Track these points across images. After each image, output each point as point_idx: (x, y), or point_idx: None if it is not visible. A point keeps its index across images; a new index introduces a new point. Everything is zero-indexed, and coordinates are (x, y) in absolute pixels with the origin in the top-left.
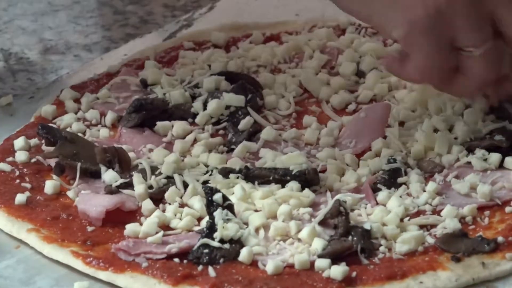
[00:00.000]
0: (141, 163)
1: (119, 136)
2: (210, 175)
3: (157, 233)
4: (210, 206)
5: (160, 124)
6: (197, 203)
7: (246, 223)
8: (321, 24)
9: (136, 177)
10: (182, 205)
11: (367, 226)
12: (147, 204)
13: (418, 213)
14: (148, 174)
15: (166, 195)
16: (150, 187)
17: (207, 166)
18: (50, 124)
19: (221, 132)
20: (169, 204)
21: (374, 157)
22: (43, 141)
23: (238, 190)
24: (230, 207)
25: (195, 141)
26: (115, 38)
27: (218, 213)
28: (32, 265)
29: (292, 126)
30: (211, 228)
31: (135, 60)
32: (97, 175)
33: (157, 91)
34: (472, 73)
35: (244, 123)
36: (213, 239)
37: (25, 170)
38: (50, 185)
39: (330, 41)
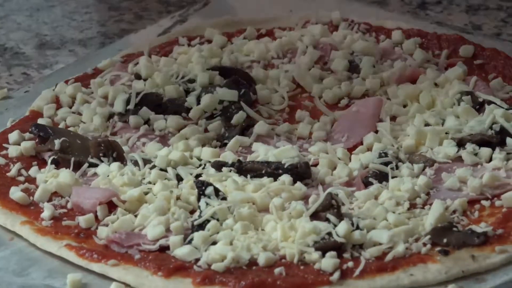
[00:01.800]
0: (133, 156)
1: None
2: (203, 168)
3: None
4: (201, 199)
5: (154, 118)
6: (191, 196)
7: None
8: (314, 20)
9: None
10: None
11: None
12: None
13: (409, 206)
14: (141, 166)
15: (155, 188)
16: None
17: (200, 160)
18: (42, 119)
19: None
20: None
21: (366, 151)
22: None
23: (231, 183)
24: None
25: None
26: (110, 34)
27: (208, 208)
28: (25, 257)
29: (285, 120)
30: (202, 224)
31: (130, 55)
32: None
33: (150, 86)
34: None
35: (237, 118)
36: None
37: (19, 163)
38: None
39: (323, 37)
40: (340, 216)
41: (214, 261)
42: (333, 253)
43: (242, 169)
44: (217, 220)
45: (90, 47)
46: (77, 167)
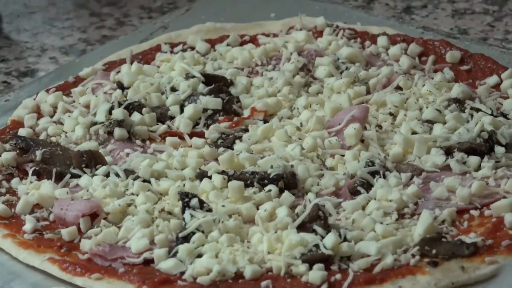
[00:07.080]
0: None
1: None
2: (184, 179)
3: None
4: (186, 211)
5: (137, 128)
6: (175, 208)
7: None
8: (299, 26)
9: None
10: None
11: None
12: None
13: (397, 216)
14: (122, 178)
15: (138, 199)
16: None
17: (182, 170)
18: (23, 129)
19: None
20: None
21: (353, 160)
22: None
23: (215, 194)
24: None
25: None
26: (91, 40)
27: (192, 220)
28: (7, 271)
29: None
30: (187, 236)
31: (112, 62)
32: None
33: (133, 94)
34: None
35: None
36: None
37: (0, 175)
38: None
39: (308, 43)
40: (327, 228)
41: (200, 274)
42: (320, 265)
43: (229, 179)
44: (202, 232)
45: (71, 54)
46: (59, 178)
